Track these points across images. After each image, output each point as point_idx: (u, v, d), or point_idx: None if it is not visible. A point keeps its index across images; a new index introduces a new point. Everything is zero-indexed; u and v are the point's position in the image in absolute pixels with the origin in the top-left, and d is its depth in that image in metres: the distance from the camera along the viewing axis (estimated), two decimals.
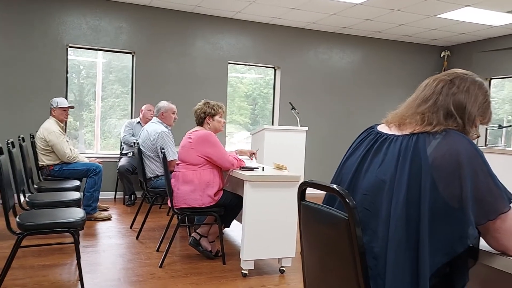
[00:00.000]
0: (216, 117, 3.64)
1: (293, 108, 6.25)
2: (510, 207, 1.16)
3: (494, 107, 13.05)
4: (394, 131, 1.33)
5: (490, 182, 1.17)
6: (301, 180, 2.21)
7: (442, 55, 8.26)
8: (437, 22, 6.49)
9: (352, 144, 1.45)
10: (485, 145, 7.78)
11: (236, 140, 7.71)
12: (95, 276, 3.22)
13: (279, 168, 3.66)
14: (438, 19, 6.33)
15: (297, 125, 6.09)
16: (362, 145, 1.39)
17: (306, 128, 5.84)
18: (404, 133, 1.29)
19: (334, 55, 7.69)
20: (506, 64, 7.37)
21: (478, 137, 1.37)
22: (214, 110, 3.63)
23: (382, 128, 1.39)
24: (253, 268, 3.35)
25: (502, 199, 1.16)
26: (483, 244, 1.26)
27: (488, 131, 7.97)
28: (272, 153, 5.22)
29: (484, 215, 1.17)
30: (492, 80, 8.02)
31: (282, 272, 3.46)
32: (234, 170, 3.44)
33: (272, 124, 7.46)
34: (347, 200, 1.18)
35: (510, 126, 5.71)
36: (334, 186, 1.24)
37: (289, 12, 6.37)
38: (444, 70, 5.86)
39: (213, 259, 3.67)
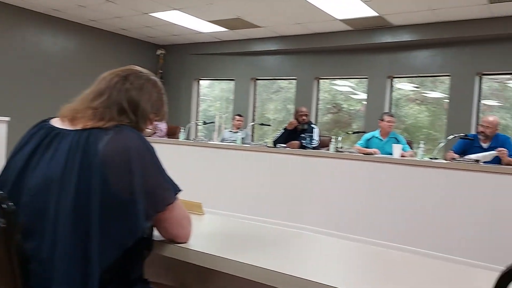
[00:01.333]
0: None
1: None
2: (176, 198, 1.25)
3: (208, 105, 14.87)
4: (67, 126, 1.24)
5: (159, 176, 1.23)
6: None
7: (158, 53, 8.71)
8: (150, 20, 6.76)
9: (21, 139, 1.28)
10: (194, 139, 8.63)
11: None
12: None
13: None
14: (151, 18, 6.60)
15: None
16: (32, 140, 1.24)
17: (7, 118, 5.06)
18: (76, 128, 1.22)
19: (46, 39, 6.95)
20: (213, 68, 8.40)
21: (154, 133, 1.43)
22: None
23: (55, 122, 1.28)
24: None
25: (170, 191, 1.24)
26: (157, 234, 1.32)
27: (197, 127, 8.89)
28: None
29: (154, 207, 1.22)
30: (201, 81, 9.00)
31: None
32: None
33: None
34: (2, 204, 1.02)
35: (212, 122, 6.62)
36: None
37: None
38: (160, 68, 6.10)
39: None
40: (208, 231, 1.53)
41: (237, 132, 6.31)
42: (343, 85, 11.52)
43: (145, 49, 8.53)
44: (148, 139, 1.29)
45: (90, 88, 1.32)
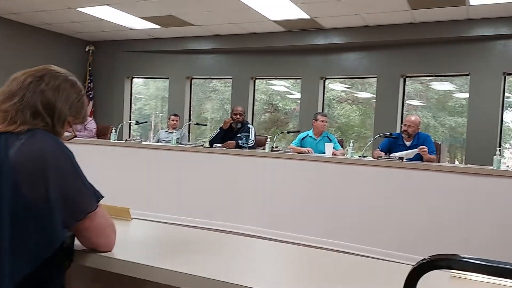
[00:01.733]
0: None
1: None
2: (98, 205, 1.19)
3: (144, 103, 14.42)
4: None
5: (78, 182, 1.16)
6: None
7: (87, 49, 8.30)
8: (77, 15, 6.42)
9: None
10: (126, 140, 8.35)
11: None
12: None
13: None
14: (78, 12, 6.28)
15: None
16: None
17: None
18: None
19: None
20: (147, 65, 8.15)
21: (75, 136, 1.35)
22: None
23: None
24: None
25: (91, 198, 1.18)
26: (78, 244, 1.25)
27: (130, 126, 8.60)
28: None
29: (73, 216, 1.15)
30: (134, 79, 8.72)
31: None
32: None
33: None
34: None
35: (146, 122, 6.43)
36: None
37: None
38: (90, 65, 5.82)
39: None
40: (135, 238, 1.47)
41: (172, 132, 6.19)
42: (279, 85, 11.74)
43: (73, 45, 8.10)
44: (73, 141, 1.22)
45: (0, 89, 1.22)
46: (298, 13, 5.78)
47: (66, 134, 1.29)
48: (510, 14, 5.43)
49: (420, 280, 0.74)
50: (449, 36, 5.86)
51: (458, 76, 7.03)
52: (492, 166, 3.71)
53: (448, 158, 11.97)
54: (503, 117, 5.90)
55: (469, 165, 4.34)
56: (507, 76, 5.83)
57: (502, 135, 5.94)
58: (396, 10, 5.46)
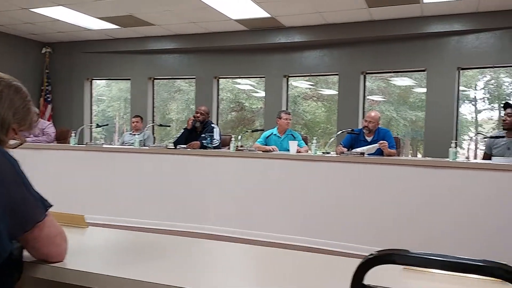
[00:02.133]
0: None
1: None
2: (46, 215, 1.15)
3: (107, 105, 14.06)
4: None
5: (23, 192, 1.12)
6: None
7: (43, 51, 8.01)
8: (31, 16, 6.18)
9: None
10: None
11: None
12: None
13: None
14: (31, 13, 6.04)
15: None
16: None
17: None
18: None
19: None
20: (107, 67, 7.95)
21: (21, 144, 1.30)
22: None
23: None
24: None
25: (38, 207, 1.14)
26: (28, 255, 1.20)
27: (92, 129, 8.38)
28: None
29: (20, 226, 1.11)
30: (94, 81, 8.50)
31: None
32: None
33: None
34: None
35: (107, 125, 6.29)
36: None
37: None
38: (47, 67, 5.62)
39: None
40: (90, 245, 1.43)
41: (135, 134, 6.09)
42: (244, 84, 11.75)
43: (28, 47, 7.79)
44: (31, 146, 1.17)
45: None
46: (258, 12, 5.79)
47: (12, 142, 1.23)
48: (462, 11, 5.66)
49: (373, 271, 0.76)
50: (405, 33, 6.04)
51: (416, 72, 7.25)
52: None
53: (411, 151, 12.35)
54: (459, 110, 6.14)
55: (426, 158, 4.48)
56: (461, 71, 6.07)
57: (459, 127, 6.19)
58: (353, 8, 5.57)
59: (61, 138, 6.07)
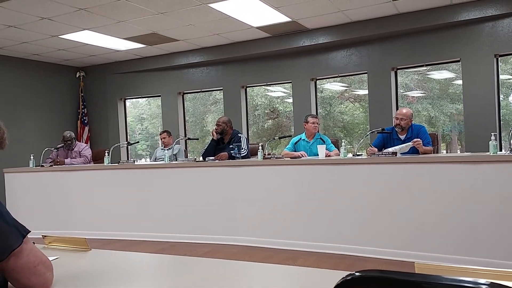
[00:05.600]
0: None
1: None
2: (23, 241, 1.10)
3: (150, 122, 14.38)
4: None
5: None
6: None
7: (77, 75, 8.31)
8: (61, 42, 6.42)
9: None
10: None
11: None
12: None
13: None
14: (61, 40, 6.27)
15: None
16: None
17: None
18: None
19: None
20: (138, 85, 8.13)
21: None
22: None
23: None
24: None
25: (13, 235, 1.09)
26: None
27: (128, 147, 8.56)
28: None
29: None
30: (131, 100, 8.70)
31: None
32: None
33: None
34: None
35: (137, 142, 6.39)
36: None
37: None
38: (81, 91, 5.78)
39: None
40: (88, 271, 1.38)
41: (165, 149, 6.14)
42: (275, 91, 11.66)
43: (63, 73, 8.11)
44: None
45: None
46: (279, 17, 5.71)
47: None
48: None
49: None
50: (435, 23, 5.74)
51: (450, 63, 6.88)
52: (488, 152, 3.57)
53: (459, 147, 11.69)
54: (500, 100, 5.74)
55: (464, 153, 4.19)
56: (498, 58, 5.68)
57: (501, 118, 5.78)
58: (377, 3, 5.36)
59: (98, 158, 6.22)
